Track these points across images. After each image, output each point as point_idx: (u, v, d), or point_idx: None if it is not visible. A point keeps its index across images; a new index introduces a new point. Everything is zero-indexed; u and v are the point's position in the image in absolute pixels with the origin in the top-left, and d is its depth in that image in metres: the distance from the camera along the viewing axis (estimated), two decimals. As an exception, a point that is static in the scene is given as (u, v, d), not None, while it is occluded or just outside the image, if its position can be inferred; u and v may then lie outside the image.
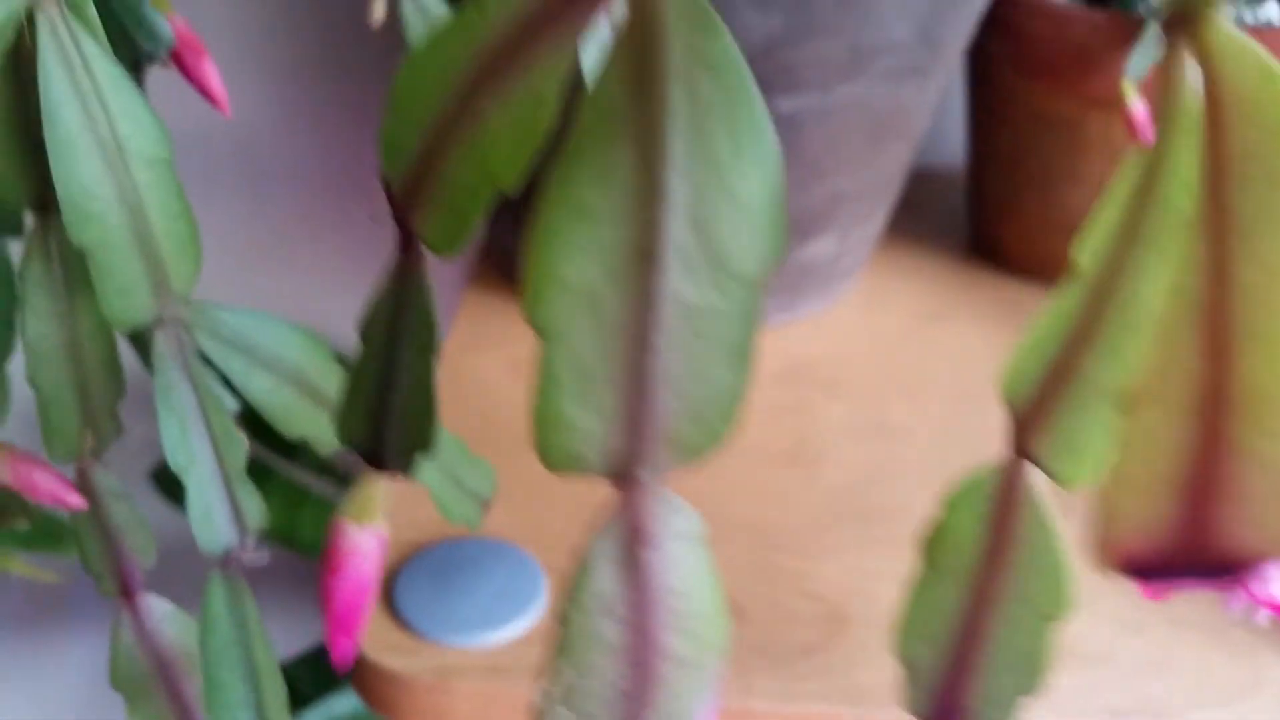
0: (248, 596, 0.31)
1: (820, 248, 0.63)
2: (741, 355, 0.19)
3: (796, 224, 0.61)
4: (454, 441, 0.40)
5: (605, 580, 0.21)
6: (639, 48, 0.18)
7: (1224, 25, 0.19)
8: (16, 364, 0.44)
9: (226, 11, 0.77)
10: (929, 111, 0.62)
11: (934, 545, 0.28)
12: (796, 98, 0.55)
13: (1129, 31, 0.62)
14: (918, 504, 0.53)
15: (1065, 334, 0.24)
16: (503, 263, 0.68)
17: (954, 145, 0.78)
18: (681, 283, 0.19)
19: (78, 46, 0.28)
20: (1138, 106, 0.58)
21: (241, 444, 0.31)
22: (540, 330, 0.19)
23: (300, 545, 0.83)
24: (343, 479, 0.80)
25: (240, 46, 0.79)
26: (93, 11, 0.29)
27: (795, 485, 0.53)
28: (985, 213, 0.74)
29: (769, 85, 0.54)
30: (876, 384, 0.61)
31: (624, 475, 0.20)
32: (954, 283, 0.71)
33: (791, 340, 0.64)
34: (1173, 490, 0.20)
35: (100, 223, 0.28)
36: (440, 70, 0.21)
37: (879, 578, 0.48)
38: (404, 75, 0.22)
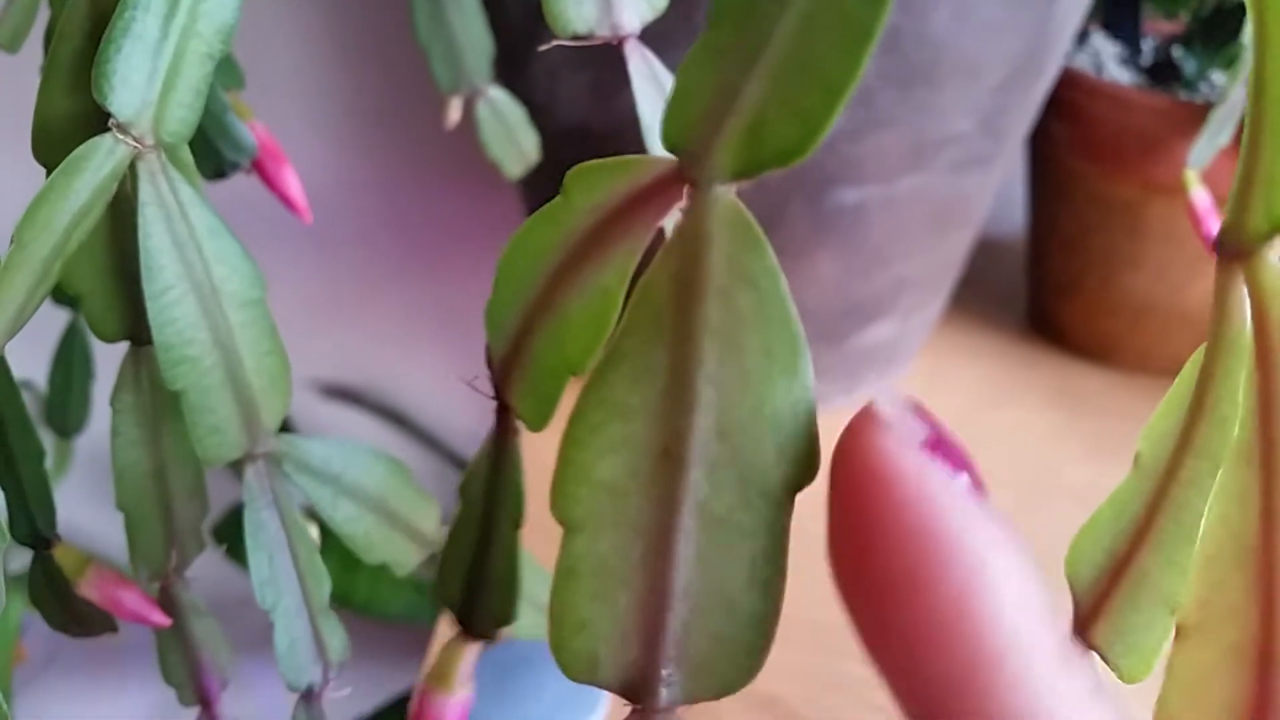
0: (331, 734, 0.32)
1: (881, 332, 0.63)
2: (767, 579, 0.19)
3: (858, 309, 0.61)
4: (528, 561, 0.40)
5: None
6: (686, 256, 0.18)
7: (1274, 265, 0.19)
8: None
9: (294, 78, 0.79)
10: (991, 197, 0.62)
11: None
12: (860, 189, 0.55)
13: (1192, 118, 0.62)
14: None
15: (1127, 526, 0.24)
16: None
17: (1012, 215, 0.78)
18: (706, 492, 0.19)
19: (175, 194, 0.28)
20: (1200, 196, 0.58)
21: (326, 578, 0.31)
22: (563, 521, 0.19)
23: (355, 605, 0.83)
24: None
25: (306, 112, 0.80)
26: (188, 154, 0.30)
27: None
28: (1045, 291, 0.74)
29: (833, 177, 0.55)
30: (937, 473, 0.61)
31: (637, 693, 0.20)
32: (1013, 364, 0.71)
33: (850, 425, 0.64)
34: None
35: (196, 366, 0.29)
36: (532, 254, 0.21)
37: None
38: (505, 254, 0.22)
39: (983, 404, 0.67)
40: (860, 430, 0.18)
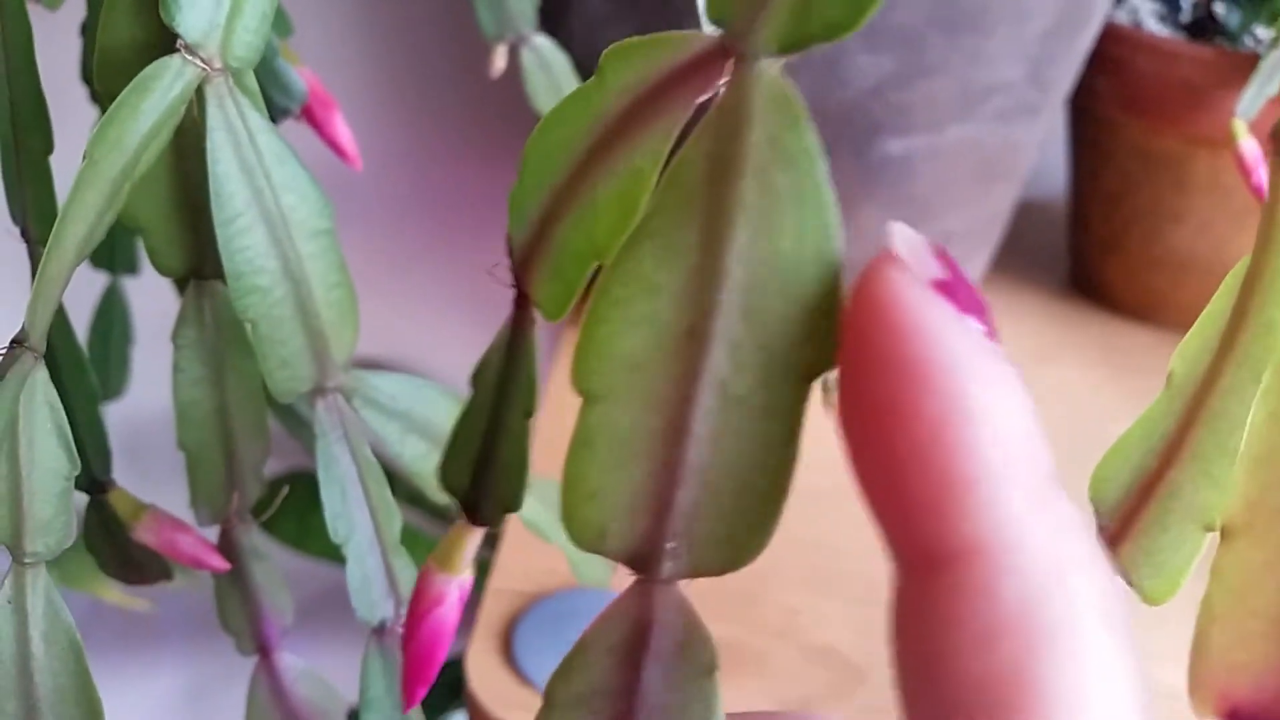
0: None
1: (925, 289, 0.62)
2: (780, 462, 0.18)
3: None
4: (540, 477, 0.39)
5: (598, 671, 0.19)
6: (724, 133, 0.18)
7: None
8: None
9: (335, 50, 0.78)
10: (1035, 150, 0.61)
11: None
12: (907, 138, 0.54)
13: (1238, 69, 0.61)
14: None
15: (1157, 444, 0.23)
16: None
17: (1050, 178, 0.77)
18: (727, 371, 0.18)
19: (244, 119, 0.28)
20: (1249, 146, 0.57)
21: (397, 513, 0.31)
22: (582, 392, 0.19)
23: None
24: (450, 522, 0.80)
25: (349, 85, 0.79)
26: (254, 81, 0.29)
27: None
28: (1087, 249, 0.73)
29: (880, 126, 0.54)
30: (984, 429, 0.60)
31: (642, 565, 0.19)
32: (1056, 322, 0.70)
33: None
34: (1276, 633, 0.19)
35: (266, 296, 0.28)
36: (562, 138, 0.21)
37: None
38: (533, 139, 0.21)
39: (1026, 362, 0.66)
40: (874, 265, 0.18)
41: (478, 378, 0.25)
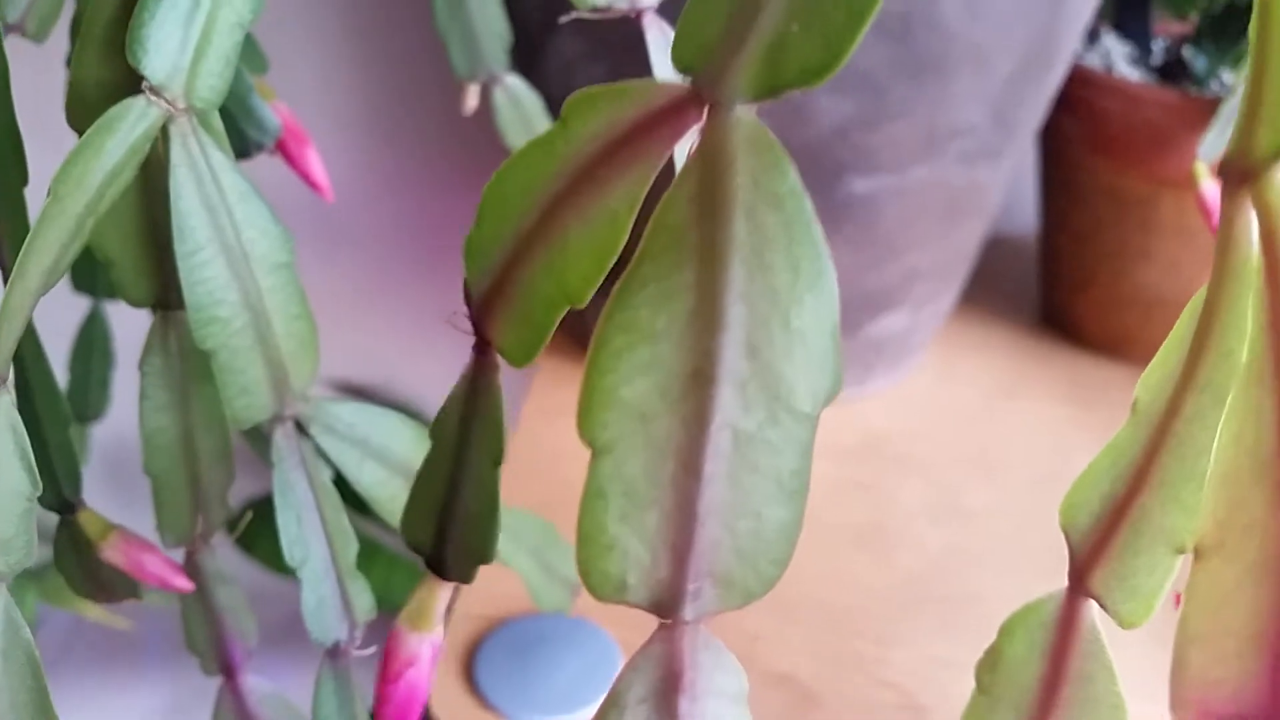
0: (356, 691, 0.32)
1: (893, 323, 0.63)
2: (793, 492, 0.19)
3: (870, 300, 0.61)
4: (544, 526, 0.40)
5: None
6: (707, 178, 0.19)
7: None
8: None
9: (310, 73, 0.79)
10: (1002, 189, 0.63)
11: (989, 672, 0.27)
12: (872, 179, 0.56)
13: (1202, 112, 0.62)
14: (996, 591, 0.53)
15: (1125, 470, 0.24)
16: (578, 330, 0.69)
17: (1022, 213, 0.79)
18: (735, 410, 0.19)
19: (206, 158, 0.29)
20: (1211, 188, 0.58)
21: (353, 539, 0.32)
22: (591, 444, 0.19)
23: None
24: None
25: (326, 119, 0.81)
26: (218, 121, 0.31)
27: (870, 567, 0.54)
28: (1057, 286, 0.74)
29: (845, 166, 0.55)
30: (950, 463, 0.61)
31: (667, 609, 0.20)
32: (1025, 357, 0.71)
33: (863, 415, 0.65)
34: (1250, 648, 0.19)
35: (226, 326, 0.29)
36: (525, 184, 0.21)
37: (958, 667, 0.48)
38: (492, 186, 0.22)
39: (996, 395, 0.68)
40: None
41: (436, 430, 0.26)
